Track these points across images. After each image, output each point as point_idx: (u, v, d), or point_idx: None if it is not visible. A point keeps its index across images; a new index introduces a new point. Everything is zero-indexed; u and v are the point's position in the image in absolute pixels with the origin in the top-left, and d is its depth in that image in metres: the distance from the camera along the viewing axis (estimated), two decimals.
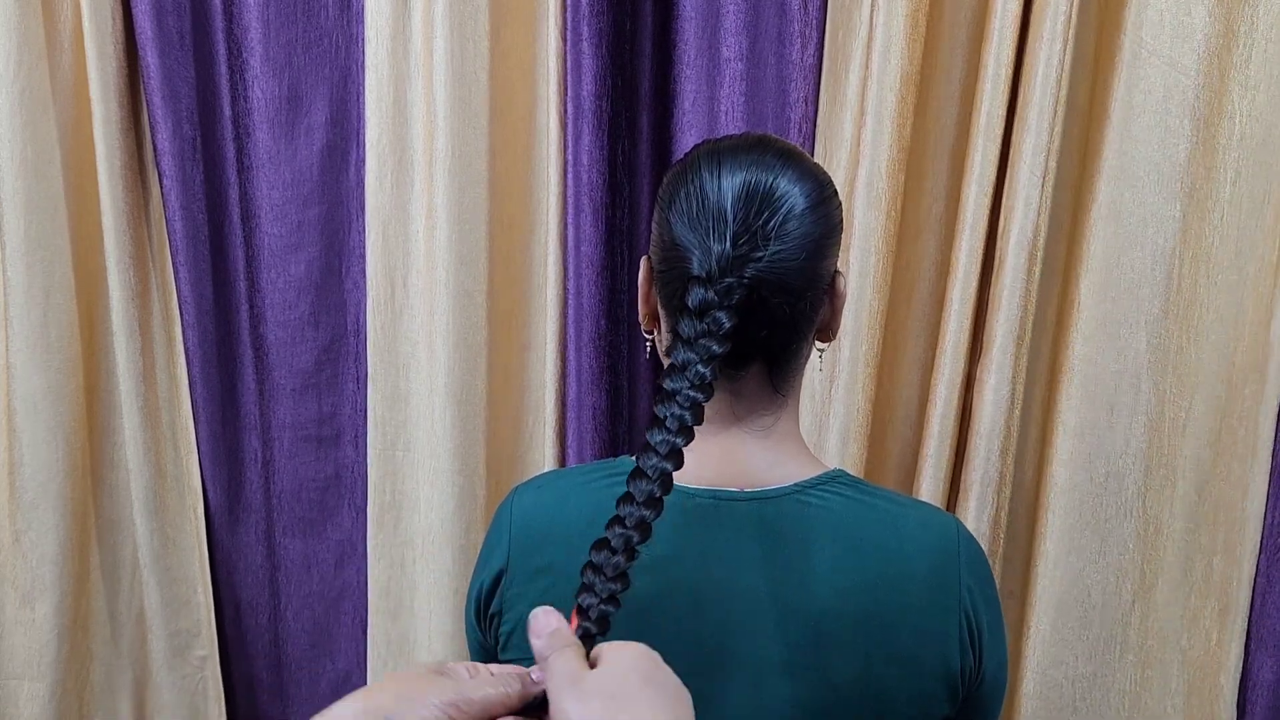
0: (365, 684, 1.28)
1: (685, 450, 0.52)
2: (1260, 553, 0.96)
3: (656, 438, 0.52)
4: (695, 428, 0.52)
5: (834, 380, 1.05)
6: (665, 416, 0.52)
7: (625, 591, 0.50)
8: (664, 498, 0.51)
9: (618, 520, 0.51)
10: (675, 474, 0.52)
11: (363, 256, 1.20)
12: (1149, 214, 0.95)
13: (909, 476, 1.11)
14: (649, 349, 0.67)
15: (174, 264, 1.19)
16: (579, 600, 0.50)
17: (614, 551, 0.50)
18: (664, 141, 1.12)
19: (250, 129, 1.18)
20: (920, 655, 0.58)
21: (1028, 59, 0.95)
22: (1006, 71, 0.95)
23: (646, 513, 0.50)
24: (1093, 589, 1.01)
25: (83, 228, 1.19)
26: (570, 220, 1.10)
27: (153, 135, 1.16)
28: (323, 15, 1.15)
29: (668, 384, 0.53)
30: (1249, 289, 0.95)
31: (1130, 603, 1.01)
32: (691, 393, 0.52)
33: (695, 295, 0.54)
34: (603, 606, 0.49)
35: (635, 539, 0.50)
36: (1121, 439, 0.99)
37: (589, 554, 0.50)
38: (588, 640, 0.49)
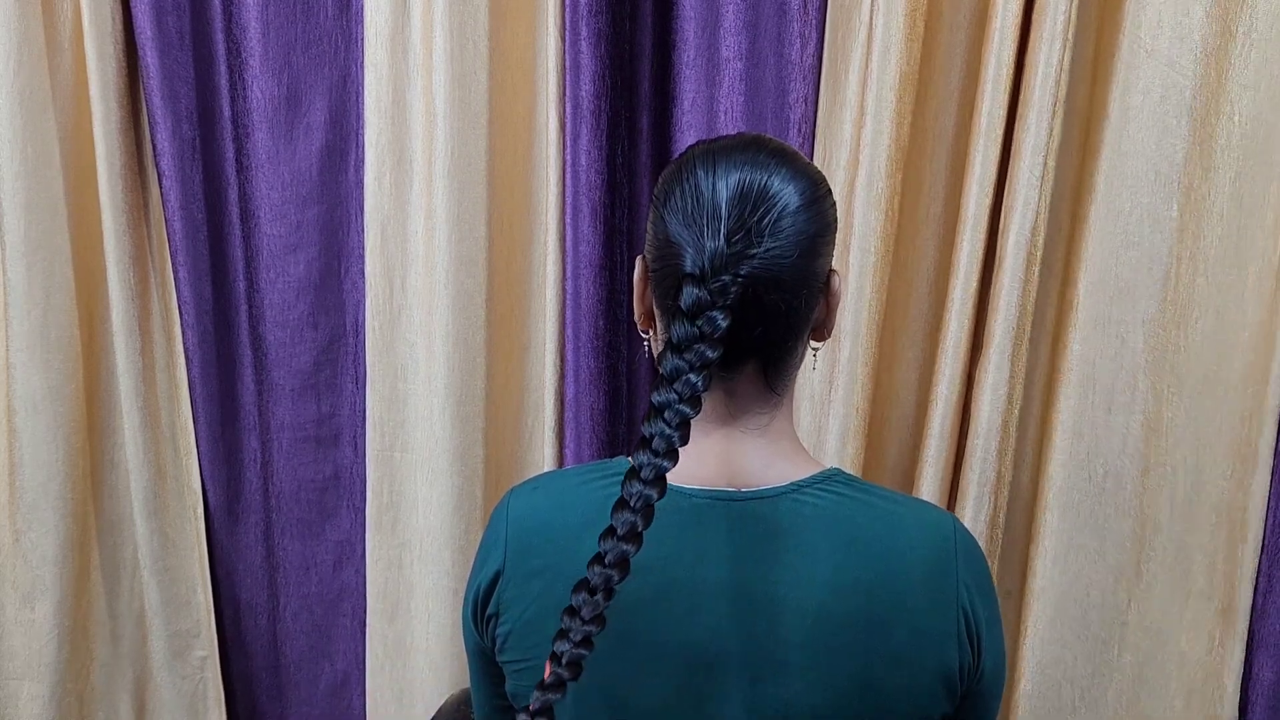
0: (364, 685, 1.32)
1: (680, 450, 0.53)
2: (1261, 553, 0.98)
3: (642, 459, 0.52)
4: (684, 444, 0.53)
5: (833, 380, 1.07)
6: (652, 436, 0.52)
7: (601, 632, 0.52)
8: (644, 531, 0.52)
9: (598, 559, 0.52)
10: (672, 473, 0.53)
11: (362, 257, 1.22)
12: (1146, 214, 0.97)
13: (908, 477, 1.13)
14: (646, 349, 0.68)
15: (173, 264, 1.21)
16: (554, 647, 0.52)
17: (593, 591, 0.52)
18: (663, 142, 1.14)
19: (249, 129, 1.20)
20: (918, 654, 0.60)
21: (1028, 59, 0.97)
22: (1008, 72, 0.97)
23: (627, 547, 0.52)
24: (1090, 588, 1.04)
25: (82, 228, 1.22)
26: (569, 221, 1.12)
27: (152, 135, 1.18)
28: (322, 15, 1.18)
29: (656, 398, 0.53)
30: (1250, 289, 0.97)
31: (1127, 602, 1.03)
32: (681, 407, 0.52)
33: (688, 295, 0.54)
34: (575, 650, 0.51)
35: (615, 578, 0.52)
36: (1119, 438, 1.01)
37: (570, 597, 0.52)
38: (557, 687, 0.51)
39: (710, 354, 0.53)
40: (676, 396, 0.53)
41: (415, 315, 1.21)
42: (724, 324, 0.54)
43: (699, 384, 0.53)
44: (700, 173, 0.58)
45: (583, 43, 1.07)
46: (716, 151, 0.59)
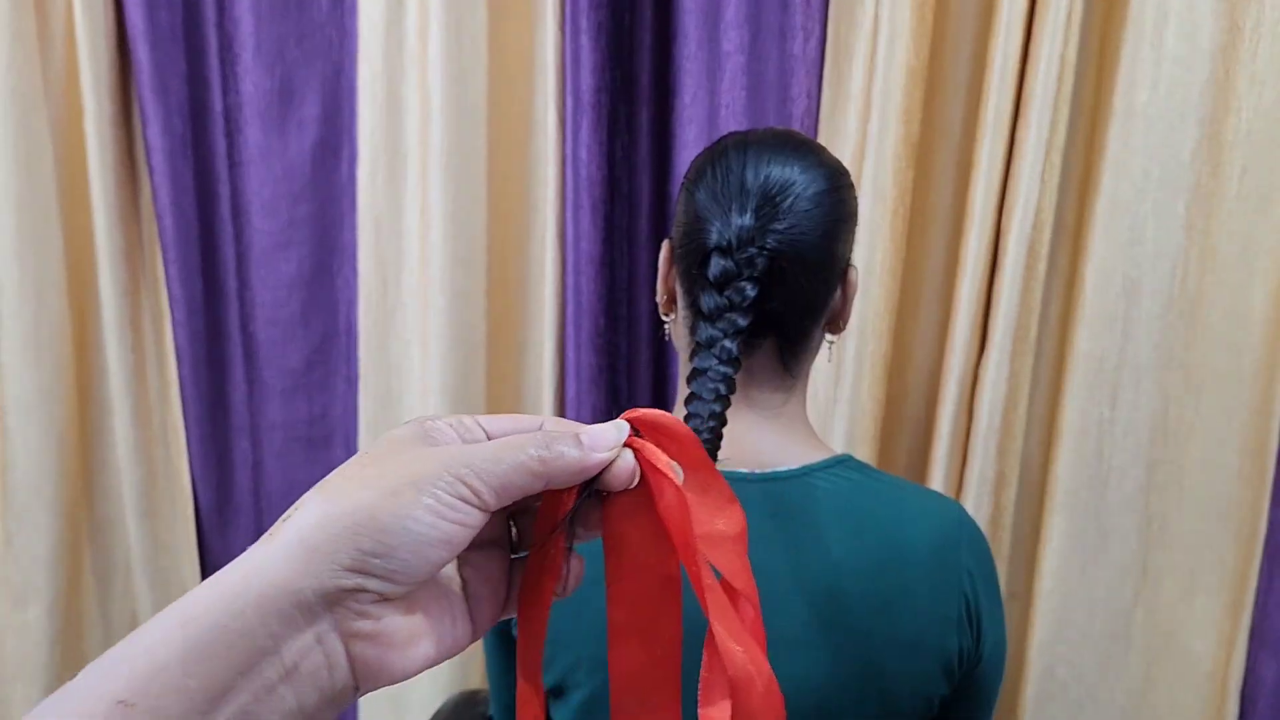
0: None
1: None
2: (1264, 551, 1.00)
3: (698, 408, 0.57)
4: (731, 391, 0.58)
5: (839, 380, 1.09)
6: (702, 392, 0.57)
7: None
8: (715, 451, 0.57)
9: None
10: None
11: (355, 254, 1.23)
12: (1153, 211, 0.99)
13: (917, 477, 1.16)
14: (666, 333, 0.72)
15: (164, 261, 1.22)
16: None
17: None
18: (664, 136, 1.16)
19: (241, 124, 1.21)
20: (920, 636, 0.63)
21: (1031, 54, 0.99)
22: (1014, 65, 0.99)
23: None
24: (1096, 587, 1.06)
25: (74, 224, 1.22)
26: (569, 216, 1.14)
27: (144, 131, 1.19)
28: (315, 8, 1.19)
29: (698, 362, 0.58)
30: (1258, 285, 0.98)
31: (1133, 600, 1.05)
32: (722, 368, 0.58)
33: (716, 265, 0.60)
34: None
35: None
36: (1125, 436, 1.03)
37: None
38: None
39: (741, 321, 0.59)
40: (717, 359, 0.58)
41: (409, 313, 1.22)
42: (752, 293, 0.59)
43: (734, 348, 0.58)
44: (732, 155, 0.64)
45: (583, 36, 1.08)
46: (749, 142, 0.65)
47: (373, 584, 0.28)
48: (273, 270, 1.25)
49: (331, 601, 0.28)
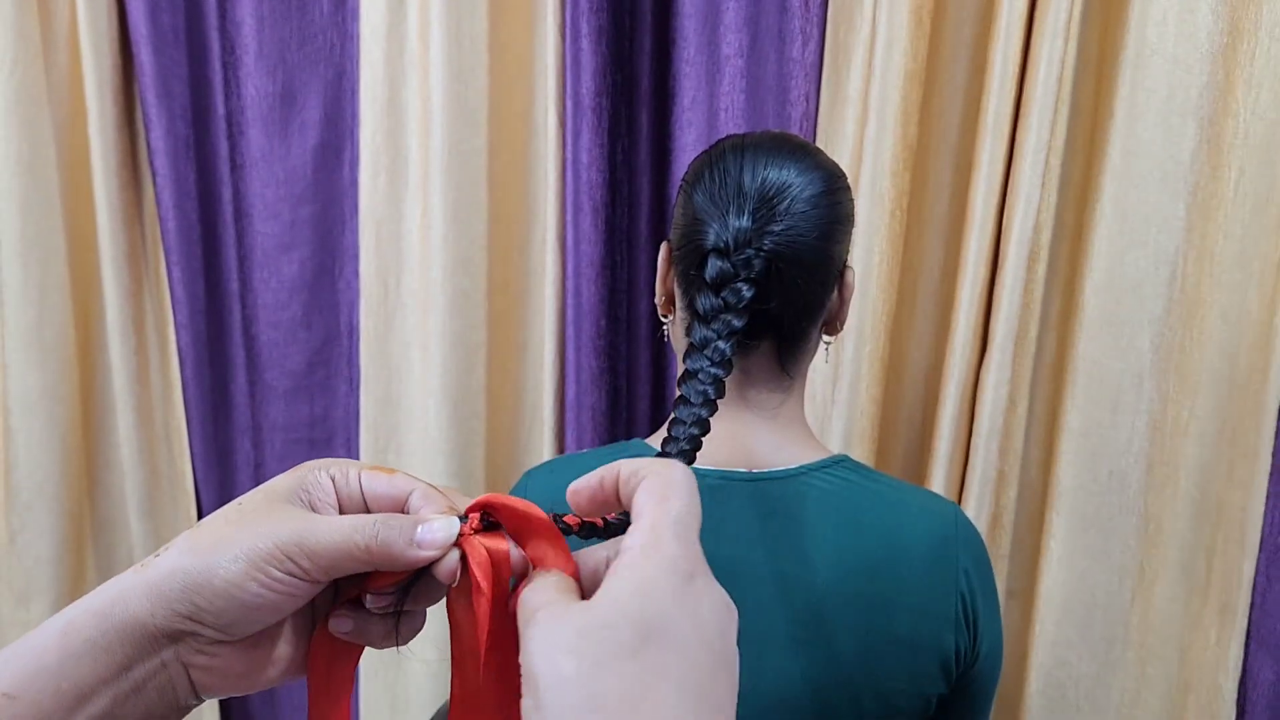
0: (357, 691, 1.35)
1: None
2: (1260, 552, 1.00)
3: (683, 413, 0.57)
4: (720, 396, 0.57)
5: (837, 381, 1.10)
6: (690, 394, 0.57)
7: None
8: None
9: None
10: None
11: (356, 256, 1.24)
12: (1152, 213, 1.00)
13: (916, 478, 1.17)
14: (665, 334, 0.73)
15: (167, 263, 1.24)
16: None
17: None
18: (663, 140, 1.17)
19: (243, 127, 1.23)
20: (916, 635, 0.64)
21: (1031, 57, 1.01)
22: (1014, 69, 1.00)
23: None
24: (1096, 588, 1.06)
25: (77, 226, 1.24)
26: (569, 219, 1.15)
27: (146, 133, 1.21)
28: (316, 12, 1.20)
29: (690, 364, 0.58)
30: (1253, 288, 0.99)
31: (1130, 600, 1.06)
32: (713, 370, 0.57)
33: (713, 266, 0.61)
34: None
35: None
36: (1124, 438, 1.04)
37: None
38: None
39: (736, 323, 0.59)
40: (709, 361, 0.58)
41: (410, 316, 1.23)
42: (749, 295, 0.59)
43: (727, 350, 0.58)
44: (730, 158, 0.64)
45: (583, 39, 1.10)
46: (746, 144, 0.66)
47: (205, 631, 0.34)
48: (275, 272, 1.27)
49: (173, 638, 0.34)
